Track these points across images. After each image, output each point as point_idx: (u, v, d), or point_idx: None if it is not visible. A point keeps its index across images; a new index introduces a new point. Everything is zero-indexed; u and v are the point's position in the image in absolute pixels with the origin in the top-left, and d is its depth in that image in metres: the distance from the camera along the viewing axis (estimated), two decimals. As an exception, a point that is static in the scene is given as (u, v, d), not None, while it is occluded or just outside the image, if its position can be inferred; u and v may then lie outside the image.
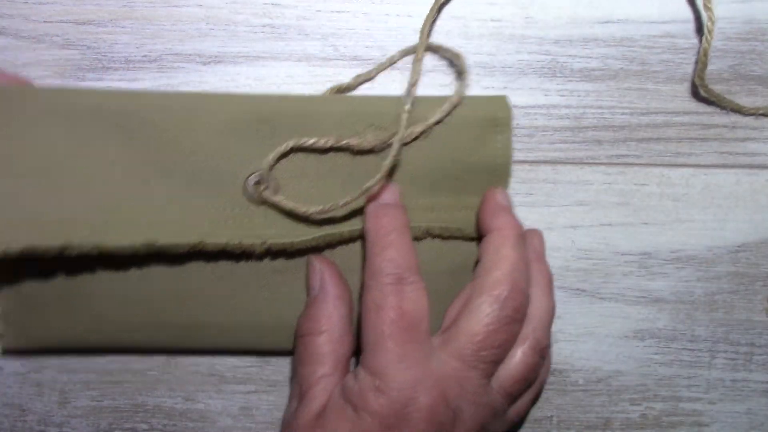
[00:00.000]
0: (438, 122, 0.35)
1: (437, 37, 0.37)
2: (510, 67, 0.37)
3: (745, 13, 0.36)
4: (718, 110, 0.38)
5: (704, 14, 0.35)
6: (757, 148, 0.38)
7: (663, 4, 0.36)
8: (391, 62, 0.37)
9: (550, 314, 0.36)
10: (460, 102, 0.35)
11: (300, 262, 0.37)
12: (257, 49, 0.37)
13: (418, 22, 0.36)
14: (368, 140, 0.35)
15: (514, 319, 0.33)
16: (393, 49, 0.37)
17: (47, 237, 0.33)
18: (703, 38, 0.35)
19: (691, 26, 0.37)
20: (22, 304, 0.37)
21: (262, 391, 0.41)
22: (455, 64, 0.37)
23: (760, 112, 0.37)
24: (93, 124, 0.34)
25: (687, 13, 0.36)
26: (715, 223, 0.39)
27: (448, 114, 0.35)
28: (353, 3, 0.36)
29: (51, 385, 0.41)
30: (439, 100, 0.35)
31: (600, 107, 0.37)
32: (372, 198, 0.35)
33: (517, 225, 0.35)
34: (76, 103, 0.34)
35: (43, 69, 0.37)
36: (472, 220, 0.37)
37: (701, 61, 0.35)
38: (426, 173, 0.36)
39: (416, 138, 0.35)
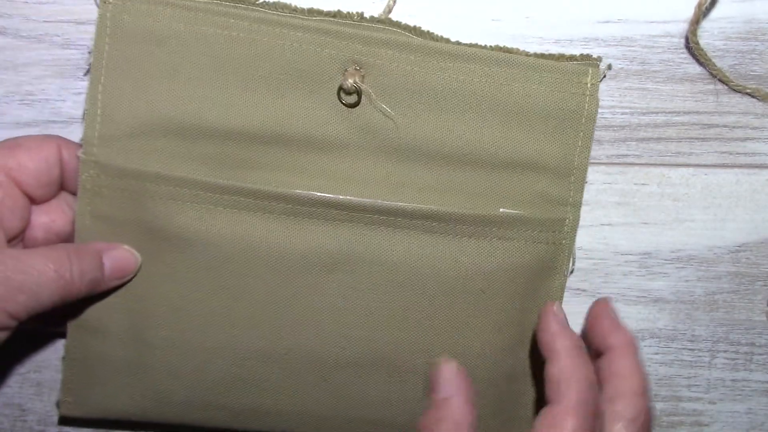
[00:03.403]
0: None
1: (437, 37, 0.37)
2: (510, 67, 0.37)
3: (745, 13, 0.36)
4: (718, 110, 0.38)
5: None
6: (757, 148, 0.38)
7: (663, 4, 0.36)
8: None
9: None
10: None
11: (361, 360, 0.36)
12: (257, 49, 0.37)
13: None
14: None
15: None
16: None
17: None
18: None
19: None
20: (86, 374, 0.36)
21: (262, 391, 0.41)
22: None
23: (747, 90, 0.37)
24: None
25: (687, 13, 0.36)
26: (715, 223, 0.39)
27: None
28: (353, 3, 0.36)
29: (51, 385, 0.41)
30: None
31: (600, 107, 0.37)
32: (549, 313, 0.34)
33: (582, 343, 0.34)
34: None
35: (43, 69, 0.37)
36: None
37: (695, 13, 0.35)
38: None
39: None
